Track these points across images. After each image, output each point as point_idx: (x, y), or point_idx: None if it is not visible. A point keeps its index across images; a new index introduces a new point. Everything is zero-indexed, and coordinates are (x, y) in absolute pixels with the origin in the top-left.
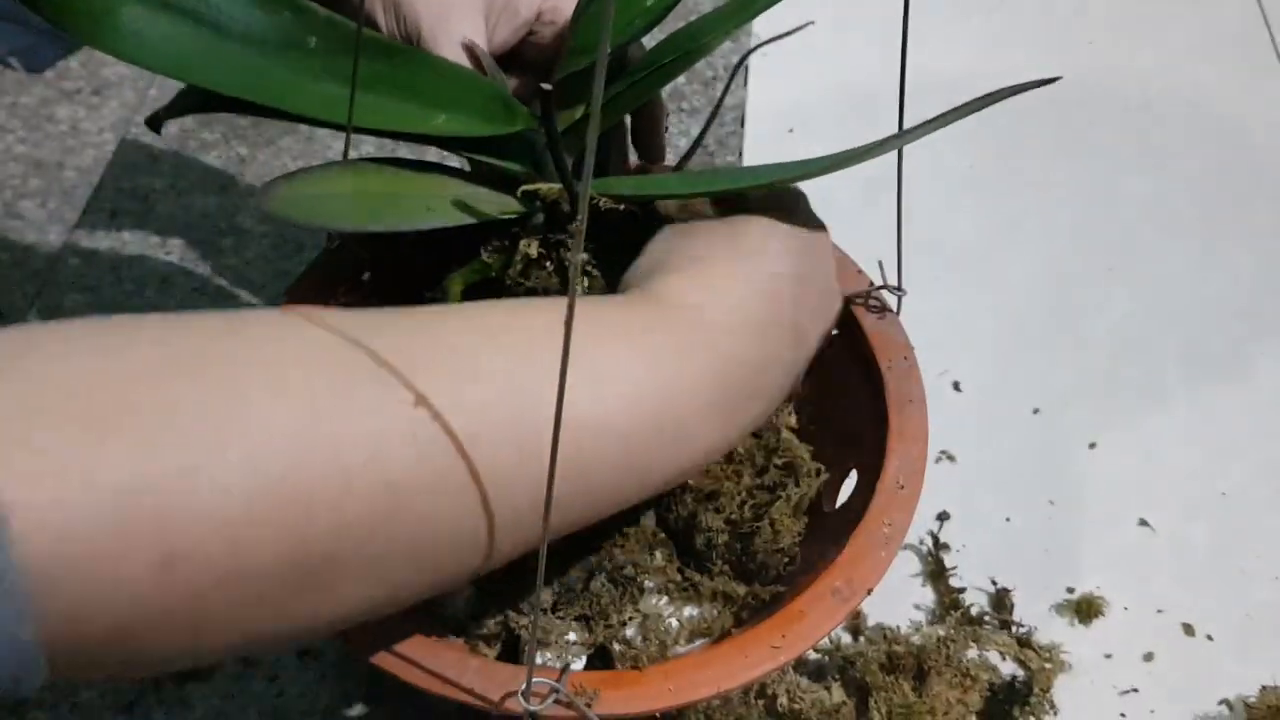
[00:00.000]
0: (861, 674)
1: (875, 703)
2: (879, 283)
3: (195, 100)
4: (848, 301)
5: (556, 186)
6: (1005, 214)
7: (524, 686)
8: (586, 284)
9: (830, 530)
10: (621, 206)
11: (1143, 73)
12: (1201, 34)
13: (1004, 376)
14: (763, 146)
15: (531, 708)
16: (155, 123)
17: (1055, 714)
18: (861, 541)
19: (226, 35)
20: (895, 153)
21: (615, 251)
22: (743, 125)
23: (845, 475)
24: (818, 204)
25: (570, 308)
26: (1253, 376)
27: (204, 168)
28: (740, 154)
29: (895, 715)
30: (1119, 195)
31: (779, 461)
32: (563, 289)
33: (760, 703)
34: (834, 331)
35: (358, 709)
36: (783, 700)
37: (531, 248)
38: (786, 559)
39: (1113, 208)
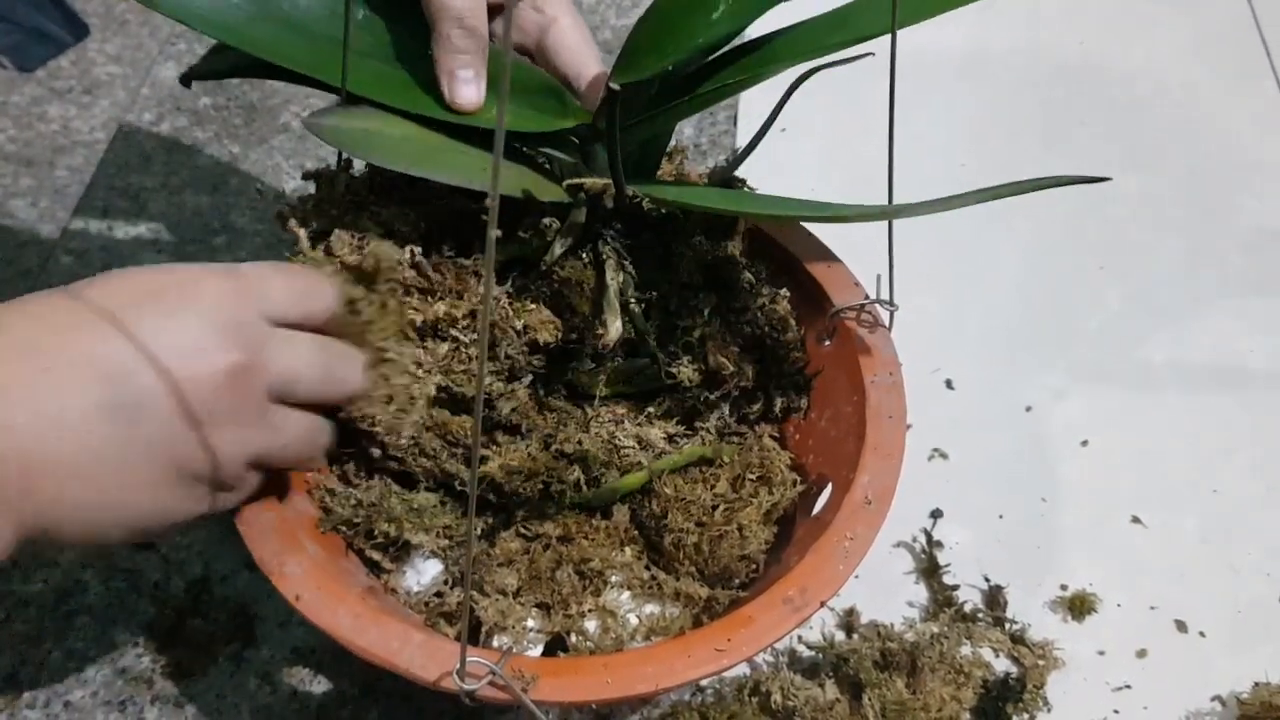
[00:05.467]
0: (855, 671)
1: (869, 699)
2: (873, 296)
3: (230, 64)
4: (840, 312)
5: (602, 181)
6: (997, 212)
7: (459, 665)
8: (621, 278)
9: (798, 540)
10: (662, 210)
11: (1133, 72)
12: (1191, 33)
13: (996, 374)
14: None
15: (467, 687)
16: (189, 78)
17: (1048, 710)
18: (821, 553)
19: (273, 5)
20: (887, 161)
21: (650, 249)
22: (735, 124)
23: (824, 486)
24: (809, 198)
25: (486, 293)
26: (1242, 374)
27: (196, 166)
28: (733, 151)
29: (889, 712)
30: (1110, 194)
31: (755, 469)
32: (599, 278)
33: (754, 700)
34: (826, 343)
35: (350, 708)
36: (776, 697)
37: (569, 238)
38: (752, 565)
39: (1104, 206)
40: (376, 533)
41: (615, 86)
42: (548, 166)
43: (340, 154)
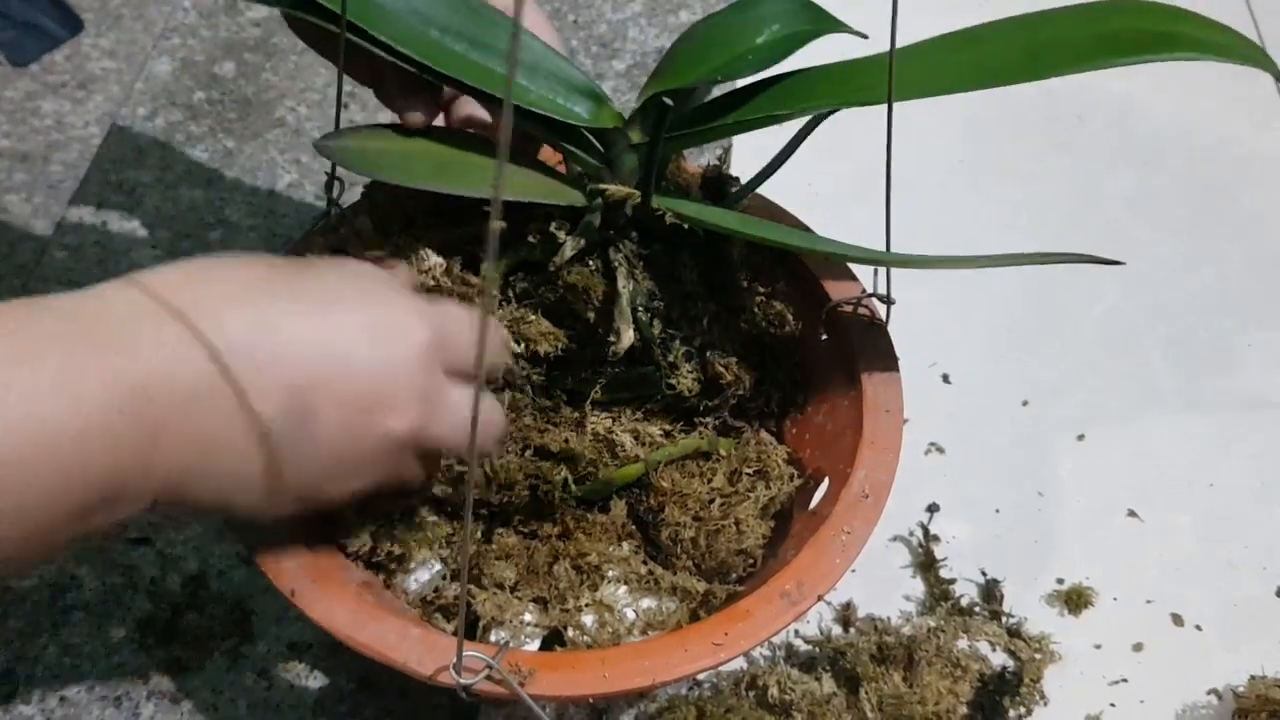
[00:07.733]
0: (852, 665)
1: (866, 693)
2: (870, 290)
3: None
4: (837, 307)
5: (626, 190)
6: (995, 207)
7: (456, 660)
8: (632, 286)
9: (795, 535)
10: (685, 226)
11: (1131, 69)
12: None
13: (993, 369)
14: (752, 141)
15: (463, 681)
16: None
17: (1045, 704)
18: (818, 547)
19: None
20: (885, 154)
21: (657, 259)
22: None
23: (821, 481)
24: (806, 195)
25: (486, 291)
26: (1239, 369)
27: (191, 161)
28: (729, 150)
29: (886, 705)
30: (1107, 190)
31: (752, 463)
32: (608, 286)
33: (751, 694)
34: (823, 337)
35: (347, 703)
36: (774, 691)
37: (581, 240)
38: (749, 560)
39: (1101, 202)
40: (381, 553)
41: (668, 101)
42: (569, 170)
43: (329, 190)
